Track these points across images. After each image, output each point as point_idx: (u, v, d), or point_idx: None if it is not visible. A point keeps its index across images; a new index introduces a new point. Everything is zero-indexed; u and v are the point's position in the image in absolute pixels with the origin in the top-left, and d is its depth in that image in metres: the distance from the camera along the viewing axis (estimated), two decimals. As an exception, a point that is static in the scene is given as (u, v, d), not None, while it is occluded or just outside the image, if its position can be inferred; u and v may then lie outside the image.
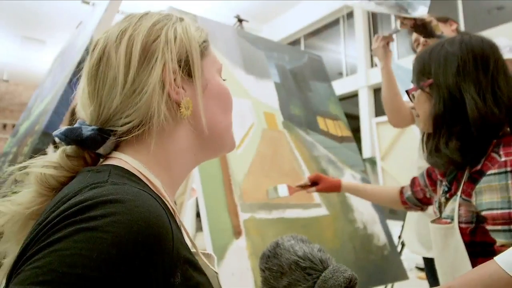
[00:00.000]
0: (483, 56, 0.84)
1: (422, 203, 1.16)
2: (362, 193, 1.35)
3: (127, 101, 0.46)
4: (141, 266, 0.33)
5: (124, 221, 0.34)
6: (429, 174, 1.11)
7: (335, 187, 1.34)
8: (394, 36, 1.54)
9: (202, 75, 0.52)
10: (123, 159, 0.47)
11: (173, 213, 0.48)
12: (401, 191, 1.22)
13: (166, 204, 0.46)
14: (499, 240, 0.74)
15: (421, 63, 0.91)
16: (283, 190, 1.39)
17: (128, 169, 0.46)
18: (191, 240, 0.52)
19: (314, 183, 1.36)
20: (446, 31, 1.55)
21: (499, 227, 0.73)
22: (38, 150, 1.13)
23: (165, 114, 0.47)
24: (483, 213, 0.76)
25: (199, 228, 3.75)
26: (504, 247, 0.73)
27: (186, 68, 0.50)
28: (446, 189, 0.92)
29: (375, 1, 1.49)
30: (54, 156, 0.47)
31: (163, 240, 0.36)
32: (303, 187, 1.37)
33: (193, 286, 0.40)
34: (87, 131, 0.46)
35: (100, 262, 0.31)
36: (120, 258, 0.32)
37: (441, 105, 0.85)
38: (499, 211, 0.73)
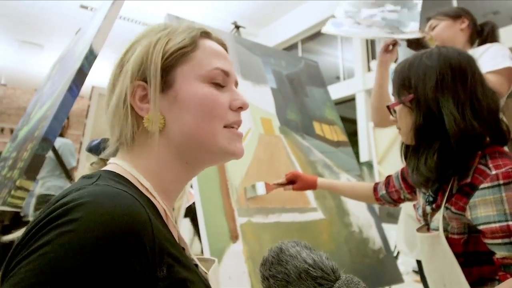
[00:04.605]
0: (460, 68, 0.84)
1: (396, 202, 1.21)
2: (337, 189, 1.39)
3: (107, 118, 0.54)
4: (124, 260, 0.36)
5: (103, 220, 0.37)
6: (404, 177, 1.14)
7: (311, 185, 1.37)
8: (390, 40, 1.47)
9: (173, 85, 0.52)
10: (117, 163, 0.51)
11: (163, 214, 0.51)
12: (375, 188, 1.26)
13: (154, 205, 0.49)
14: (500, 253, 0.74)
15: (401, 77, 0.91)
16: (260, 188, 1.40)
17: (120, 172, 0.49)
18: (183, 241, 0.55)
19: (291, 181, 1.39)
20: (454, 29, 1.46)
21: (499, 241, 0.73)
22: (38, 156, 1.15)
23: (134, 128, 0.51)
24: (480, 227, 0.76)
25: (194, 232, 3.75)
26: (506, 259, 0.74)
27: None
28: (431, 199, 0.92)
29: (365, 25, 1.49)
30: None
31: (143, 236, 0.39)
32: (281, 185, 1.40)
33: (179, 280, 0.42)
34: (94, 142, 0.54)
35: (85, 262, 0.34)
36: (102, 254, 0.35)
37: (421, 119, 0.85)
38: (497, 225, 0.73)
